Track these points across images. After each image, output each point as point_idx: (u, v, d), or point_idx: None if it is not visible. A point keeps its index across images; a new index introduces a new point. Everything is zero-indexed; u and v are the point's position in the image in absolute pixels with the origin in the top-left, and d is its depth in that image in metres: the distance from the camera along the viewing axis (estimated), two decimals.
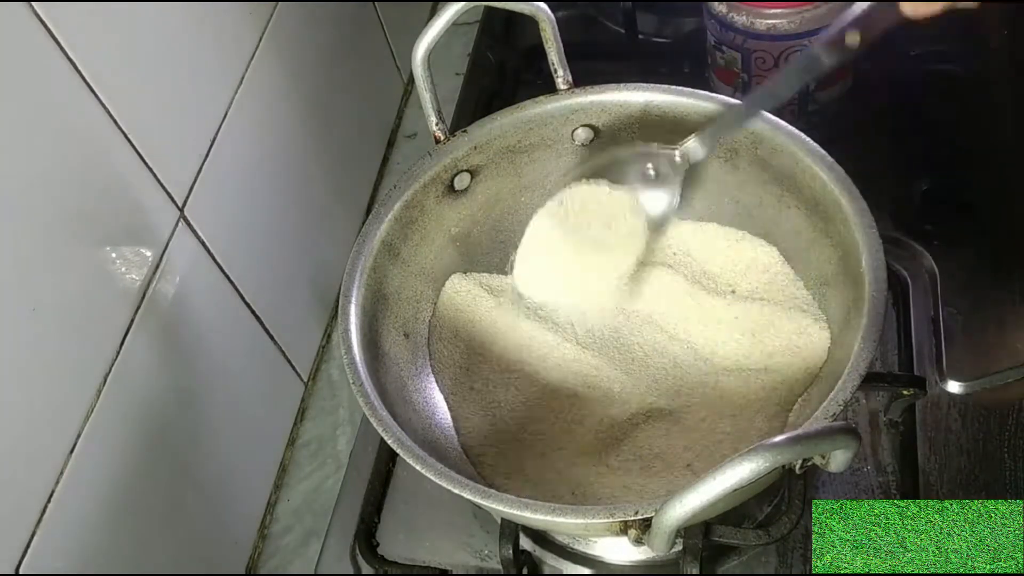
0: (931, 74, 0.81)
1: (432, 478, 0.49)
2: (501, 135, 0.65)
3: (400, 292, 0.63)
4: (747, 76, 0.77)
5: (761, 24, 0.73)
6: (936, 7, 0.47)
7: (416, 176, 0.63)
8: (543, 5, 0.61)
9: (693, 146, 0.59)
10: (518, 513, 0.48)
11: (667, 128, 0.64)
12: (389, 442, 0.51)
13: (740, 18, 0.73)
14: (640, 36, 0.90)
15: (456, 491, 0.49)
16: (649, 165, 0.61)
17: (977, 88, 0.80)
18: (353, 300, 0.57)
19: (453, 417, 0.62)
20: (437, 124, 0.63)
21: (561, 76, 0.64)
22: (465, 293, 0.66)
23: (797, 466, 0.44)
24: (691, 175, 0.64)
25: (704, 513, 0.44)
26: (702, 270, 0.65)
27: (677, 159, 0.60)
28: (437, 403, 0.62)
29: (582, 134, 0.66)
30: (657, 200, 0.62)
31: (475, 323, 0.65)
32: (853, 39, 0.50)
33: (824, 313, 0.60)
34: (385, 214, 0.61)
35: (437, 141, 0.63)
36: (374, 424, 0.52)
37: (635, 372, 0.63)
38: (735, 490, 0.40)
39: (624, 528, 0.46)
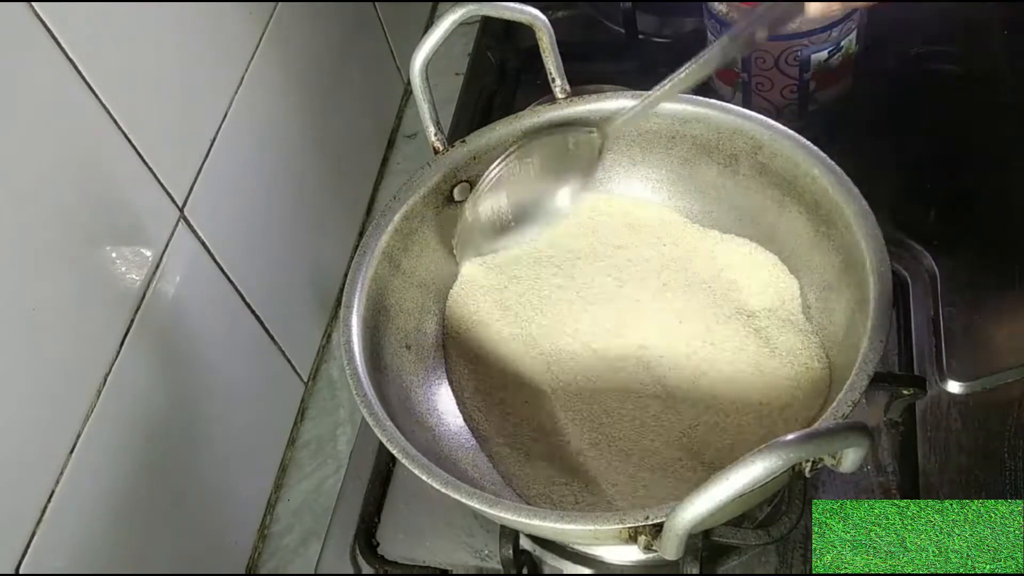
0: (931, 74, 0.81)
1: (439, 488, 0.49)
2: (500, 145, 0.64)
3: (401, 304, 0.63)
4: (747, 76, 0.76)
5: None
6: (835, 6, 0.49)
7: (415, 187, 0.63)
8: (540, 14, 0.61)
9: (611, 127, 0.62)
10: (526, 521, 0.48)
11: (665, 135, 0.64)
12: (395, 453, 0.51)
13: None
14: (640, 36, 0.90)
15: (464, 501, 0.49)
16: (571, 139, 0.63)
17: (977, 88, 0.79)
18: (354, 311, 0.57)
19: (472, 425, 0.61)
20: (436, 134, 0.63)
21: (559, 85, 0.64)
22: (473, 301, 0.66)
23: (807, 468, 0.44)
24: (691, 183, 0.65)
25: (716, 516, 0.43)
26: (703, 278, 0.65)
27: (595, 137, 0.63)
28: (442, 414, 0.62)
29: None
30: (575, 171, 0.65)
31: (484, 331, 0.65)
32: (762, 34, 0.54)
33: (828, 316, 0.60)
34: (385, 225, 0.61)
35: (436, 151, 0.63)
36: (379, 435, 0.52)
37: (651, 374, 0.62)
38: (749, 491, 0.40)
39: (634, 535, 0.45)
